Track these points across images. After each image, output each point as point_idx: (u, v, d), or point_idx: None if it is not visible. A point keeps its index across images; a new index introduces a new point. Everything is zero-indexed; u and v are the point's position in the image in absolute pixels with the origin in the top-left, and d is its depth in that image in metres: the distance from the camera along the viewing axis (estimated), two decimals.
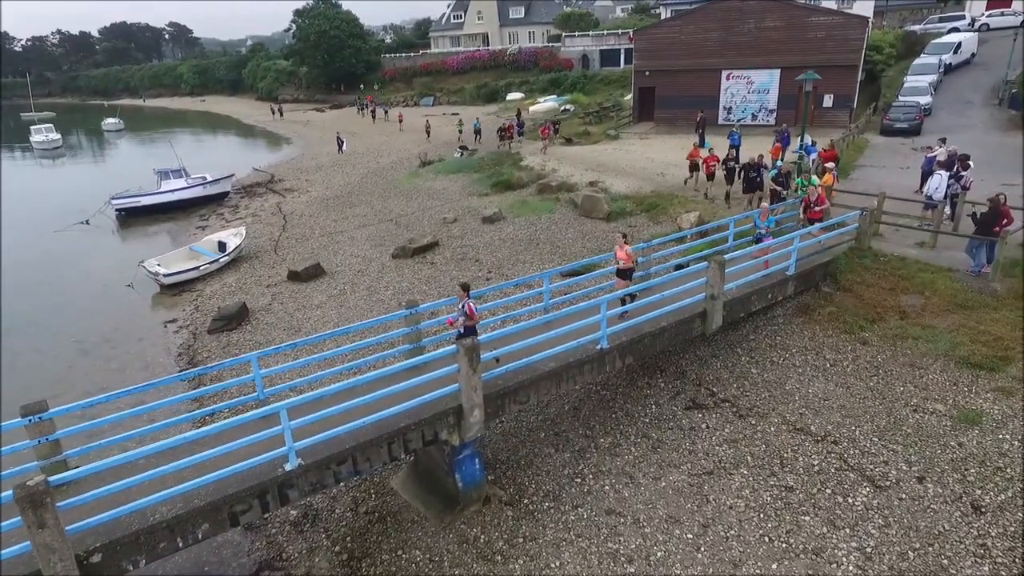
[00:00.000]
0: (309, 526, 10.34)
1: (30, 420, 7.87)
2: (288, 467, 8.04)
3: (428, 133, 46.60)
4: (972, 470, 9.46)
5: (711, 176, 21.98)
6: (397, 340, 11.38)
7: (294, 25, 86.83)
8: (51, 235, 28.97)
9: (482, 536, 9.53)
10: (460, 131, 44.79)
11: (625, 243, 12.34)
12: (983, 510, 8.80)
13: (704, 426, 11.31)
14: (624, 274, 12.36)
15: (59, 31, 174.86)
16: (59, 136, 61.38)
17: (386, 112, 64.09)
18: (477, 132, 42.07)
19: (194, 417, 10.72)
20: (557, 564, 8.90)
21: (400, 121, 55.53)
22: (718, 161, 21.67)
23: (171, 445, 7.77)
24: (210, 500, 7.55)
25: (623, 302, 11.81)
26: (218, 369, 11.60)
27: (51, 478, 6.65)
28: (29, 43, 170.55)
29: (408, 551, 9.45)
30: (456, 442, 9.55)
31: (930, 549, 8.35)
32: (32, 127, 61.56)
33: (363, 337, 13.08)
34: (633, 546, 9.03)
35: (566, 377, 10.63)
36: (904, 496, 9.22)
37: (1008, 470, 9.36)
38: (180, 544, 7.47)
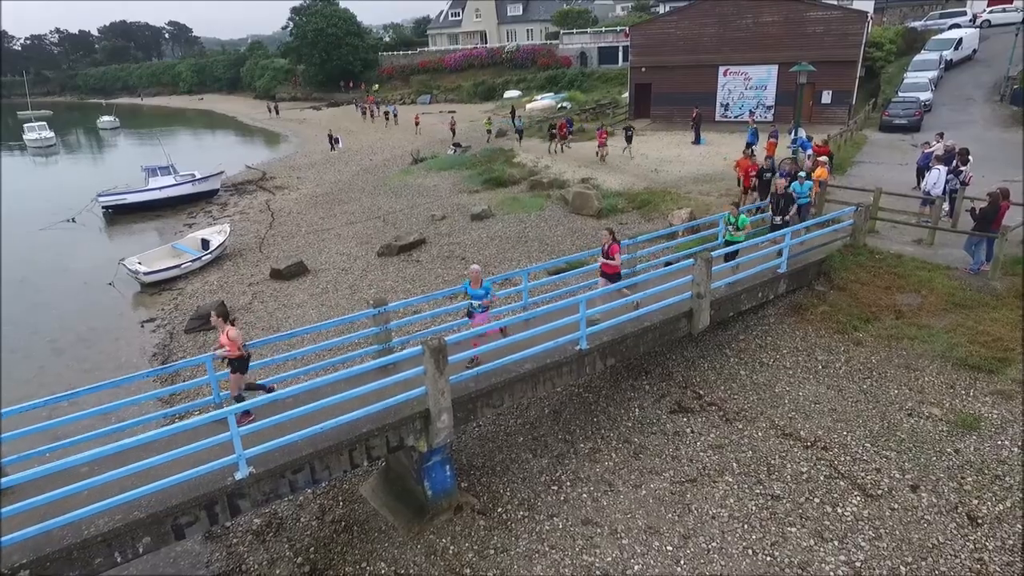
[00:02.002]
0: (272, 535, 9.84)
1: None
2: (238, 476, 7.54)
3: (453, 132, 43.92)
4: (969, 478, 8.94)
5: (752, 188, 17.82)
6: (365, 341, 10.90)
7: (291, 23, 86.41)
8: (36, 233, 28.50)
9: (451, 547, 9.03)
10: (489, 130, 40.92)
11: (229, 325, 8.53)
12: (980, 521, 8.28)
13: (689, 431, 10.80)
14: (236, 365, 8.69)
15: (58, 30, 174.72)
16: (52, 134, 60.90)
17: (395, 115, 57.76)
18: (519, 132, 36.75)
19: (148, 420, 10.18)
20: None
21: (417, 124, 50.57)
22: (758, 170, 17.50)
23: (114, 451, 7.25)
24: (152, 511, 7.05)
25: (248, 414, 8.56)
26: (173, 370, 11.14)
27: None
28: (28, 42, 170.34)
29: (373, 563, 8.95)
30: (424, 448, 9.04)
31: (923, 563, 7.84)
32: (25, 125, 61.14)
33: (331, 337, 12.57)
34: (609, 559, 8.52)
35: (543, 379, 10.12)
36: (897, 506, 8.71)
37: (1007, 478, 8.84)
38: (119, 559, 6.96)
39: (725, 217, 13.02)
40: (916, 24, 45.56)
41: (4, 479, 7.12)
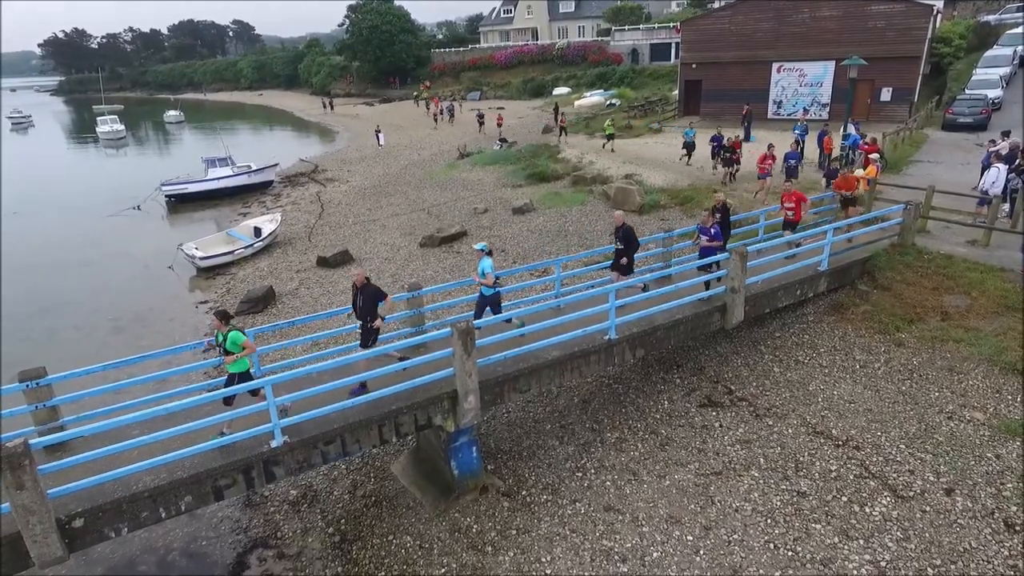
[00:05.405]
0: (307, 506, 10.32)
1: (28, 385, 8.04)
2: (274, 444, 7.97)
3: (564, 132, 37.24)
4: (1008, 484, 8.62)
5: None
6: (400, 323, 11.25)
7: (347, 20, 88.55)
8: (103, 219, 30.25)
9: (475, 526, 9.28)
10: (611, 135, 31.51)
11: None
12: (1017, 528, 7.99)
13: (717, 425, 10.74)
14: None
15: (131, 29, 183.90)
16: (123, 127, 64.32)
17: (481, 116, 47.65)
18: (687, 147, 26.04)
19: (194, 389, 10.78)
20: (548, 559, 8.57)
21: (499, 125, 43.00)
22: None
23: (161, 413, 7.81)
24: (194, 472, 7.55)
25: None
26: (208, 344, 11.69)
27: (35, 440, 6.75)
28: (104, 40, 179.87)
29: (399, 537, 9.30)
30: (451, 428, 9.31)
31: (952, 567, 7.63)
32: (98, 118, 64.78)
33: None
34: (629, 545, 8.61)
35: (571, 367, 10.24)
36: (928, 508, 8.48)
37: None
38: (163, 514, 7.48)
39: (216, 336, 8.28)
40: (990, 18, 43.24)
41: (63, 434, 7.75)
